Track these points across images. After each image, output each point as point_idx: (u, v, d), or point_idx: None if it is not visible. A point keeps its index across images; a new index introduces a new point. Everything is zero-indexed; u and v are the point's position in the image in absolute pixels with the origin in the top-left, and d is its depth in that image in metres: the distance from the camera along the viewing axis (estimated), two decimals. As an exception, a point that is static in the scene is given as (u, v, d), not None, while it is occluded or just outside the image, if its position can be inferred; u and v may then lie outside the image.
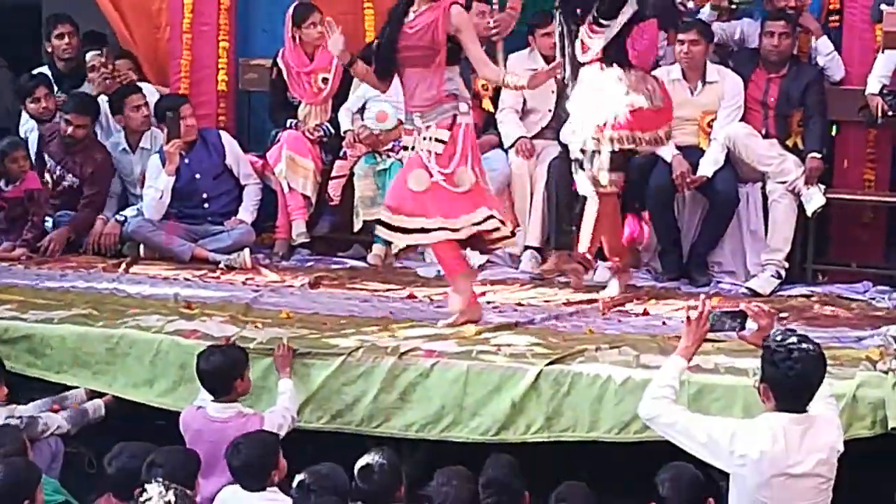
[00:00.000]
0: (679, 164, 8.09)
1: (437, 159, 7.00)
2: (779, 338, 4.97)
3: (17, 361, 7.07)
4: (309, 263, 8.76)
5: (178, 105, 8.82)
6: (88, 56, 9.26)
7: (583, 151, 7.50)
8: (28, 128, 9.48)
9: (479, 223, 7.06)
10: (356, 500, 5.60)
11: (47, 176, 9.05)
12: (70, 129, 8.85)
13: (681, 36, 8.29)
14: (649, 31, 7.68)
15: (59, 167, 9.01)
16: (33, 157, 9.17)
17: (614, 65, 7.33)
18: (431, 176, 7.00)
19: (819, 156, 8.12)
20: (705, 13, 8.52)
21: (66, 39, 9.63)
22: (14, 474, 5.49)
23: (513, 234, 7.44)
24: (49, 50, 9.76)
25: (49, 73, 9.63)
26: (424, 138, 7.04)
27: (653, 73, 7.82)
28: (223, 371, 6.33)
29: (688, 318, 5.26)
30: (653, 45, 7.87)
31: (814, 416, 4.95)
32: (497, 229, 7.13)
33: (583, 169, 7.54)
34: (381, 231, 7.35)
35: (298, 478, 5.49)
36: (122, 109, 9.03)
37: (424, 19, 6.97)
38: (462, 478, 5.33)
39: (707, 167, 8.16)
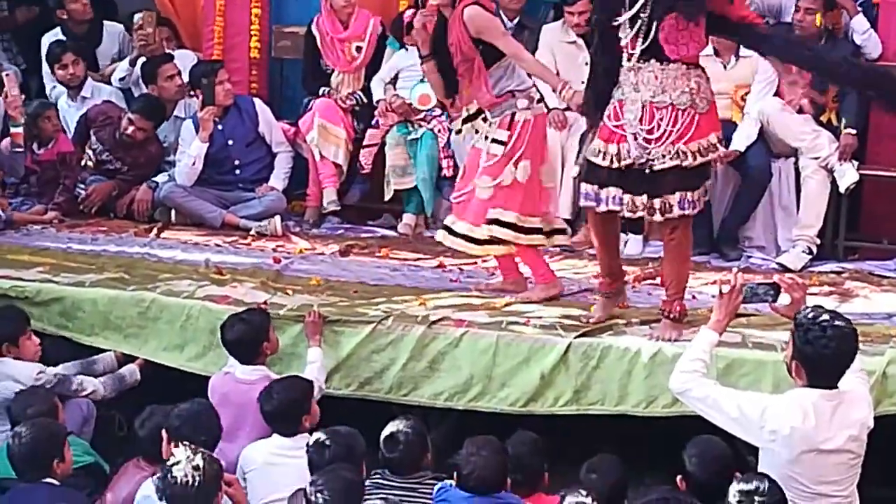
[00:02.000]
0: None
1: (488, 165, 6.96)
2: (810, 315, 4.95)
3: (49, 323, 7.15)
4: (339, 231, 8.76)
5: (213, 70, 8.80)
6: (136, 17, 9.23)
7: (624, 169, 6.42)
8: (57, 93, 9.50)
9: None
10: (382, 467, 5.64)
11: (88, 152, 9.04)
12: (131, 129, 8.81)
13: (799, 2, 8.18)
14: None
15: (106, 152, 8.98)
16: (68, 125, 9.20)
17: (651, 60, 6.29)
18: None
19: (854, 132, 8.08)
20: None
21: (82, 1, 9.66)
22: (41, 434, 5.56)
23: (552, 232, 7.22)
24: (64, 16, 9.76)
25: (63, 37, 9.64)
26: (486, 137, 7.02)
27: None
28: (248, 338, 6.41)
29: (720, 291, 5.26)
30: (696, 34, 6.33)
31: (844, 392, 4.94)
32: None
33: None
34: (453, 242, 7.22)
35: (315, 435, 5.53)
36: (156, 79, 9.03)
37: (453, 35, 6.91)
38: (492, 447, 5.33)
39: (739, 142, 8.12)
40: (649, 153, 6.30)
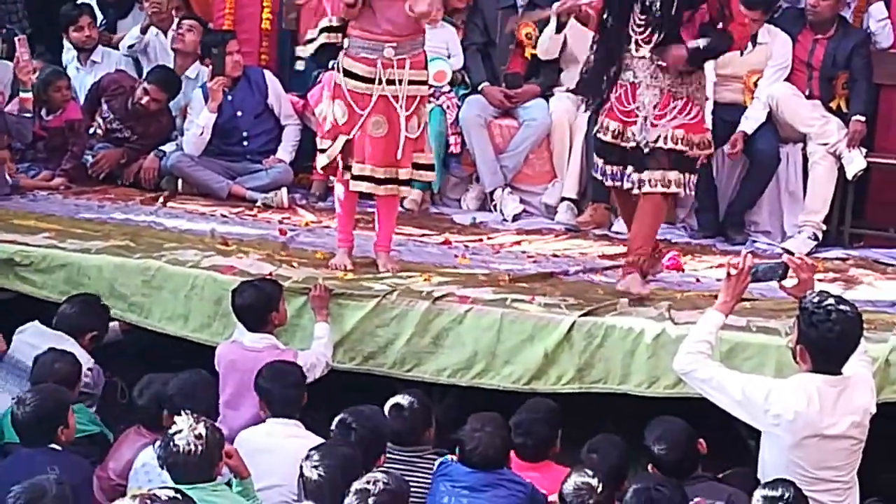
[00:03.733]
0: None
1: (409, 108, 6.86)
2: (816, 299, 4.97)
3: (54, 290, 7.13)
4: (345, 205, 8.75)
5: (224, 41, 8.80)
6: None
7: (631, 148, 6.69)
8: (70, 57, 9.50)
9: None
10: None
11: (98, 119, 9.05)
12: (145, 100, 8.82)
13: None
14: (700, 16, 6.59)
15: (117, 121, 8.99)
16: (76, 89, 9.21)
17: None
18: (397, 121, 6.84)
19: (863, 119, 8.06)
20: None
21: None
22: (46, 401, 5.58)
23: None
24: None
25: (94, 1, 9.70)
26: (401, 81, 6.82)
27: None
28: (258, 305, 6.41)
29: (728, 273, 5.26)
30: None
31: (848, 378, 4.96)
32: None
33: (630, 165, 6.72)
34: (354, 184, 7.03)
35: (340, 416, 5.52)
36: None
37: None
38: (496, 424, 5.36)
39: (748, 124, 8.13)
40: (657, 130, 6.57)
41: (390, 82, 6.82)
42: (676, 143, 6.57)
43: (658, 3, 6.47)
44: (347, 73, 6.88)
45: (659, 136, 6.57)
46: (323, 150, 7.04)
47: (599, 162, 6.88)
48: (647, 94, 6.60)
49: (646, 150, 6.60)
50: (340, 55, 6.93)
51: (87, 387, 6.37)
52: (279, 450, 5.61)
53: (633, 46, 6.60)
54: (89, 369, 6.43)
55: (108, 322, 6.80)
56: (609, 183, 6.91)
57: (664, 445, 5.23)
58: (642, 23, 6.56)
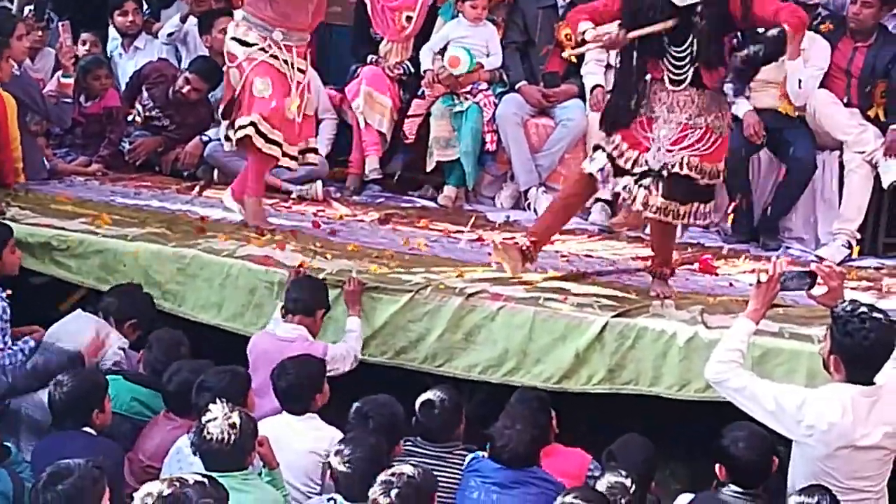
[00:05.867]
0: (750, 118, 8.07)
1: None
2: (848, 308, 4.95)
3: (89, 276, 7.21)
4: (379, 200, 8.76)
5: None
6: None
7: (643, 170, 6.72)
8: (115, 44, 9.55)
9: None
10: (416, 434, 5.68)
11: (138, 107, 9.06)
12: (186, 89, 8.84)
13: None
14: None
15: (156, 109, 9.01)
16: (117, 76, 9.27)
17: (688, 86, 6.65)
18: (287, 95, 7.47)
19: (901, 128, 8.05)
20: None
21: None
22: (83, 384, 5.61)
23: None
24: None
25: None
26: (286, 61, 7.46)
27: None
28: (315, 298, 6.47)
29: (758, 280, 5.25)
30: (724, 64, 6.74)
31: (881, 388, 4.94)
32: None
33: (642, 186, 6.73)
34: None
35: (356, 405, 5.57)
36: (210, 30, 9.07)
37: None
38: (527, 421, 5.37)
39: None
40: (672, 156, 6.62)
41: (274, 57, 7.43)
42: (691, 171, 6.59)
43: (695, 35, 6.50)
44: (238, 41, 7.46)
45: (673, 163, 6.60)
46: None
47: (604, 163, 6.80)
48: (664, 129, 6.65)
49: (658, 172, 6.62)
50: (230, 26, 7.65)
51: (116, 365, 6.42)
52: (290, 444, 5.63)
53: (665, 80, 6.63)
54: (121, 348, 6.48)
55: (150, 311, 6.81)
56: (592, 169, 6.83)
57: (745, 444, 5.12)
58: (680, 55, 6.59)
